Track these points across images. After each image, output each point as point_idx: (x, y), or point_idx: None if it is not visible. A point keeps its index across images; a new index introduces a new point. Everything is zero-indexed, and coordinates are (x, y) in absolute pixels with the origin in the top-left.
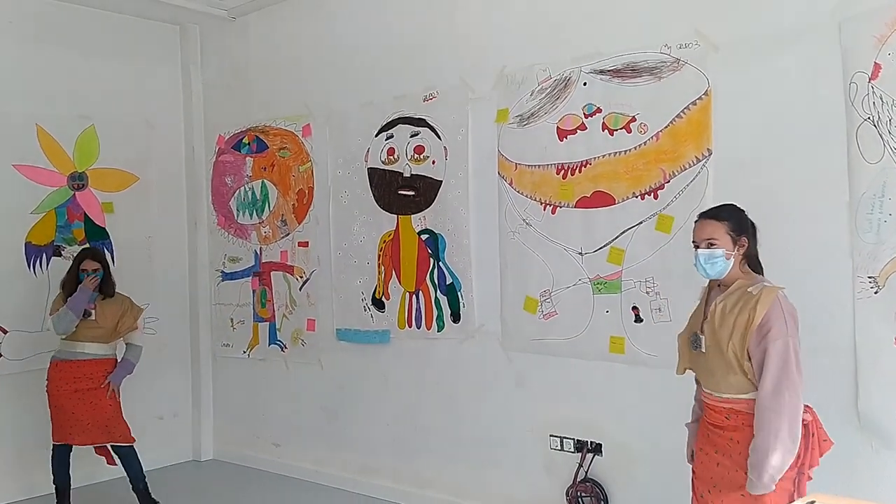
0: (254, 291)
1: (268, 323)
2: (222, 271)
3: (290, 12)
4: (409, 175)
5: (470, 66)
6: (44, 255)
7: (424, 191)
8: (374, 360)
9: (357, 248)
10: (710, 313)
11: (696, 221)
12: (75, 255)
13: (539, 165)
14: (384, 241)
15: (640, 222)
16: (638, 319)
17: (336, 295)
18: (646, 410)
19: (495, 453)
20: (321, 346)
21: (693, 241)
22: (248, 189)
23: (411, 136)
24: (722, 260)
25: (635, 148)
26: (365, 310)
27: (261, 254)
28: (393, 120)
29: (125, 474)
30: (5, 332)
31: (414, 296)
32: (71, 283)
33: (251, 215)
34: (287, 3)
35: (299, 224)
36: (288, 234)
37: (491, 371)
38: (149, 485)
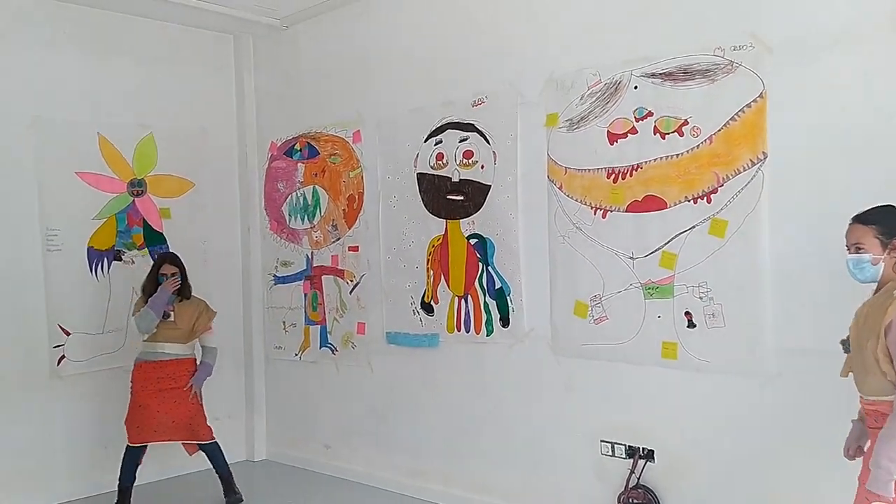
0: (305, 295)
1: (319, 326)
2: (275, 275)
3: (340, 21)
4: (457, 180)
5: (519, 70)
6: (105, 259)
7: (473, 195)
8: (424, 364)
9: (406, 252)
10: (857, 314)
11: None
12: (154, 259)
13: (589, 169)
14: (433, 246)
15: (693, 226)
16: (691, 325)
17: (386, 298)
18: (699, 417)
19: (546, 458)
20: (371, 349)
21: (845, 245)
22: (299, 194)
23: (460, 141)
24: (869, 265)
25: (688, 151)
26: (414, 314)
27: (312, 258)
28: (442, 125)
29: (209, 467)
30: (68, 334)
31: (463, 300)
32: (150, 287)
33: (303, 220)
34: (337, 11)
35: (349, 229)
36: (338, 238)
37: (541, 375)
38: (233, 476)
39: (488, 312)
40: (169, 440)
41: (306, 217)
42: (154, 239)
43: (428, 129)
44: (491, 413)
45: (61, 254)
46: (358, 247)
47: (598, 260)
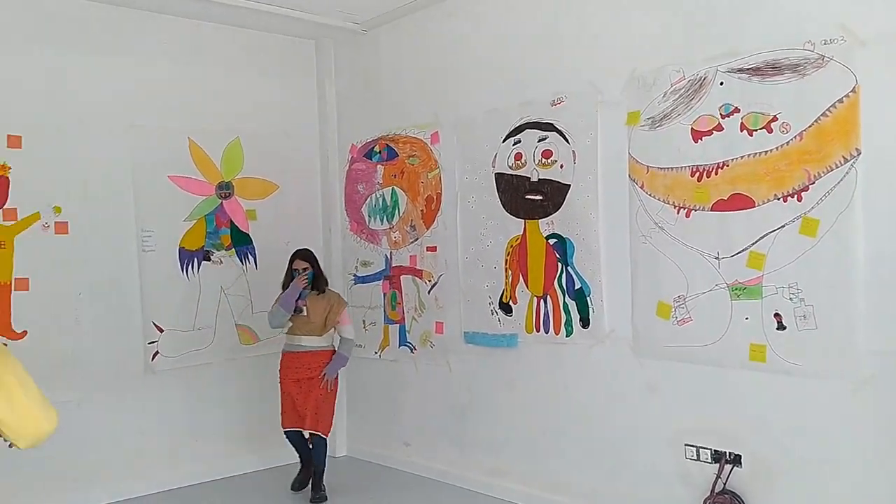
0: (384, 294)
1: (398, 325)
2: (355, 275)
3: (419, 24)
4: (536, 179)
5: (599, 68)
6: (195, 259)
7: (552, 195)
8: (502, 364)
9: (484, 252)
10: None
11: None
12: (290, 255)
13: (672, 168)
14: (511, 246)
15: (783, 225)
16: (780, 327)
17: (464, 298)
18: (789, 421)
19: (628, 460)
20: (449, 348)
21: None
22: (378, 196)
23: (539, 141)
24: None
25: (777, 148)
26: (492, 314)
27: (391, 258)
28: (520, 125)
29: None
30: (161, 331)
31: (542, 300)
32: (287, 281)
33: (382, 221)
34: (416, 14)
35: (427, 229)
36: (417, 238)
37: (622, 377)
38: (324, 475)
39: (568, 313)
40: (302, 428)
41: (385, 218)
42: (241, 240)
43: (506, 129)
44: (571, 414)
45: (155, 254)
46: (436, 247)
47: (682, 260)
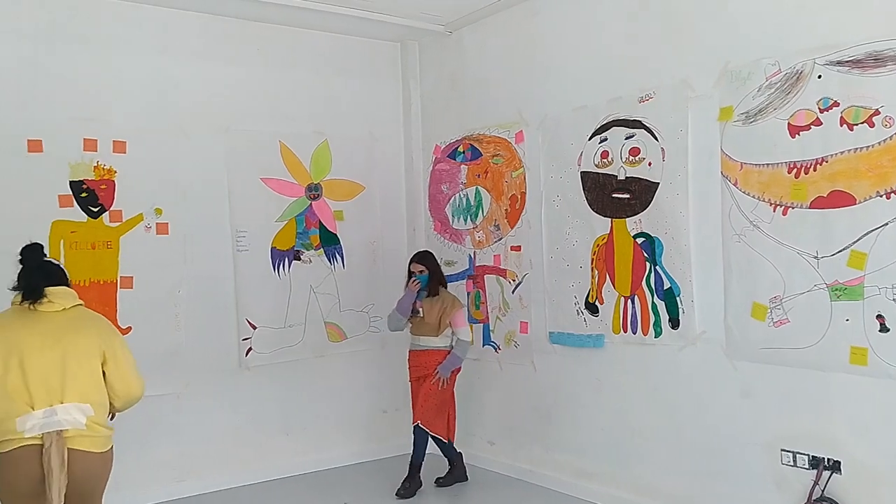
0: (468, 294)
1: (482, 324)
2: None
3: (503, 23)
4: (623, 178)
5: (690, 63)
6: (286, 259)
7: (640, 193)
8: (588, 364)
9: (570, 251)
10: None
11: None
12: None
13: (768, 164)
14: (598, 245)
15: (886, 223)
16: (883, 329)
17: (548, 298)
18: (892, 427)
19: (719, 465)
20: (534, 348)
21: None
22: (462, 195)
23: (626, 139)
24: None
25: (879, 143)
26: (578, 314)
27: (475, 258)
28: (607, 123)
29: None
30: (254, 328)
31: (629, 300)
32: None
33: (465, 221)
34: (500, 14)
35: (512, 228)
36: (501, 238)
37: (713, 379)
38: (420, 472)
39: (656, 313)
40: (420, 423)
41: (469, 218)
42: (329, 240)
43: (592, 126)
44: (659, 416)
45: (249, 254)
46: (520, 246)
47: (778, 259)
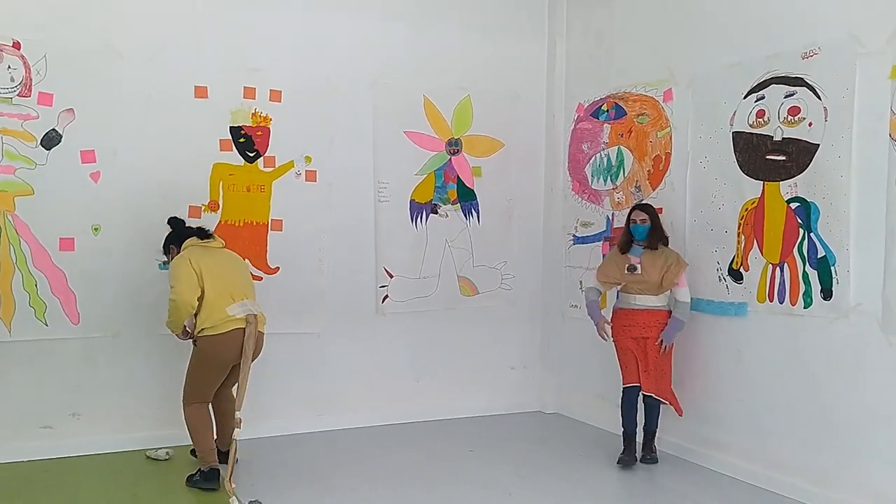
0: (604, 256)
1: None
2: (574, 235)
3: None
4: (780, 139)
5: (860, 17)
6: (424, 211)
7: (797, 155)
8: (728, 333)
9: (715, 215)
10: None
11: None
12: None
13: None
14: (746, 209)
15: None
16: None
17: (689, 263)
18: None
19: (868, 444)
20: None
21: None
22: (603, 155)
23: (785, 97)
24: None
25: None
26: (720, 280)
27: (612, 219)
28: (765, 80)
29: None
30: (391, 276)
31: (778, 268)
32: (623, 238)
33: (605, 181)
34: None
35: (654, 190)
36: (641, 200)
37: (866, 355)
38: (655, 439)
39: (807, 283)
40: (648, 392)
41: (609, 178)
42: (466, 195)
43: (749, 84)
44: (804, 391)
45: (389, 204)
46: (661, 209)
47: None
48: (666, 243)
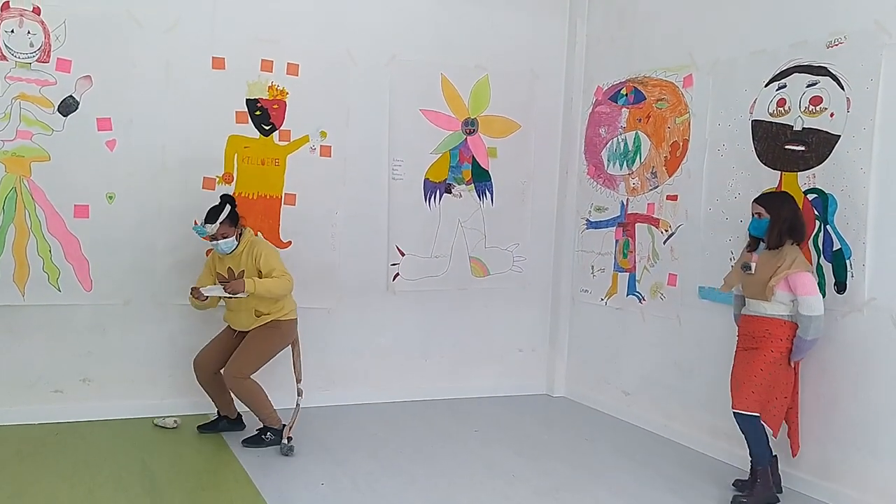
0: (617, 241)
1: (628, 273)
2: (587, 219)
3: None
4: (800, 128)
5: (888, 5)
6: (437, 191)
7: (817, 146)
8: None
9: (731, 204)
10: None
11: None
12: None
13: None
14: None
15: None
16: None
17: (702, 252)
18: None
19: (877, 443)
20: (681, 301)
21: None
22: (620, 140)
23: (808, 86)
24: None
25: None
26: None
27: (627, 205)
28: (787, 68)
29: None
30: (403, 255)
31: None
32: (751, 242)
33: (621, 166)
34: None
35: (670, 177)
36: (657, 186)
37: (880, 349)
38: (761, 472)
39: (821, 275)
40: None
41: (625, 163)
42: (480, 176)
43: (771, 72)
44: (812, 385)
45: (403, 182)
46: (677, 196)
47: None
48: (799, 240)
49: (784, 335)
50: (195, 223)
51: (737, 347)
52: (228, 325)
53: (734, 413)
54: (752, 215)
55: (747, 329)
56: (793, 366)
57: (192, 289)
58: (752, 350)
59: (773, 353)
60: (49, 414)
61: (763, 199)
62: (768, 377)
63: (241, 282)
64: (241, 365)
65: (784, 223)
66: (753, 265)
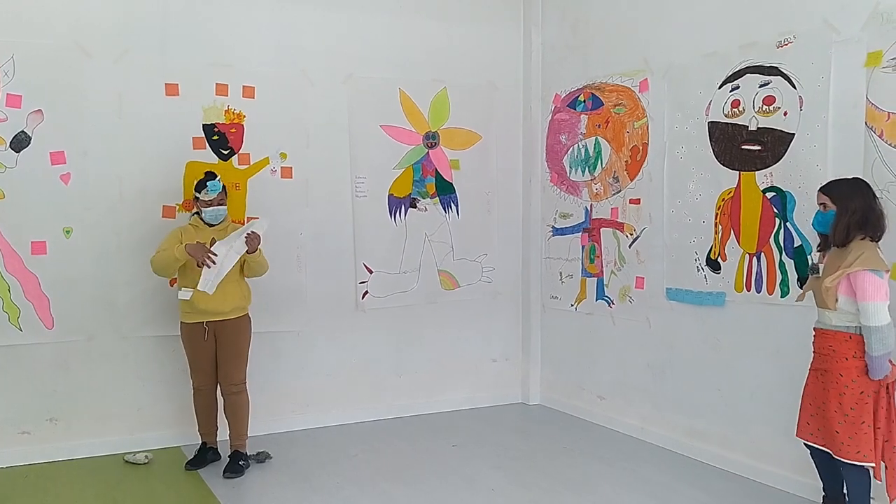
0: (583, 247)
1: (596, 278)
2: (553, 226)
3: None
4: (755, 128)
5: (835, 4)
6: (402, 206)
7: (772, 145)
8: (707, 323)
9: (692, 205)
10: None
11: None
12: None
13: None
14: (723, 199)
15: None
16: None
17: (668, 253)
18: None
19: None
20: (650, 304)
21: None
22: (581, 146)
23: (760, 87)
24: None
25: None
26: (698, 270)
27: (591, 210)
28: (740, 69)
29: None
30: (371, 272)
31: (755, 258)
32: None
33: (583, 172)
34: None
35: (631, 181)
36: (619, 190)
37: None
38: None
39: (784, 272)
40: (813, 443)
41: (587, 169)
42: (445, 188)
43: (724, 74)
44: (782, 380)
45: (367, 200)
46: (640, 199)
47: None
48: (873, 237)
49: (849, 352)
50: (206, 181)
51: (811, 368)
52: (192, 333)
53: (842, 462)
54: (818, 205)
55: (815, 345)
56: (880, 388)
57: (210, 240)
58: (823, 373)
59: (843, 377)
60: (17, 456)
61: (829, 188)
62: (850, 412)
63: (258, 236)
64: (236, 371)
65: (853, 215)
66: (821, 266)
